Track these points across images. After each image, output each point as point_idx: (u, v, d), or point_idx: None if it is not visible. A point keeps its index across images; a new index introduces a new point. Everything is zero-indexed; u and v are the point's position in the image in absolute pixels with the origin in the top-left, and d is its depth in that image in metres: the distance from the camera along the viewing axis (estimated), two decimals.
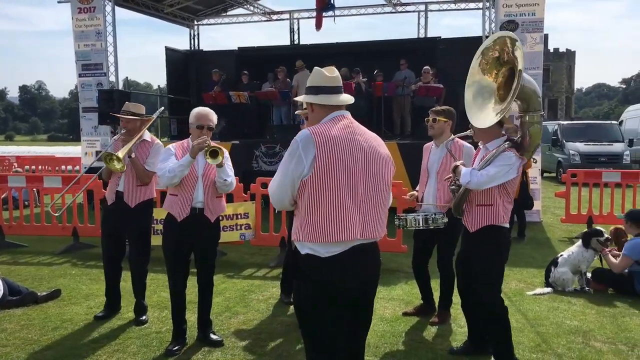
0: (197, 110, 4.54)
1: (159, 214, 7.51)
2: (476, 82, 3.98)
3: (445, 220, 4.61)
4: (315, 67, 2.95)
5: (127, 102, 5.40)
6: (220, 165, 4.38)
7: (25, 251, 8.17)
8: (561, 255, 6.24)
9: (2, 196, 9.37)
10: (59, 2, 13.47)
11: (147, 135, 5.26)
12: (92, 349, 4.51)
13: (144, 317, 5.18)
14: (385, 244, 7.04)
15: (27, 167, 17.01)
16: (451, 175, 4.13)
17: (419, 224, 4.63)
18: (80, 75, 12.91)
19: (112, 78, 12.94)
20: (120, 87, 13.53)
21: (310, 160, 2.63)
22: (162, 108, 5.44)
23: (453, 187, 4.11)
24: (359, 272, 2.74)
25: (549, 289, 6.04)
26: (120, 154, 4.87)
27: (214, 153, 4.30)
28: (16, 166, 16.29)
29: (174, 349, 4.44)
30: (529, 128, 3.87)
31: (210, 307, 4.73)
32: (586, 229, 6.42)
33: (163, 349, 4.48)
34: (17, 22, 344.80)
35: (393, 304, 5.60)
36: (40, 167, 17.40)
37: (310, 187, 2.64)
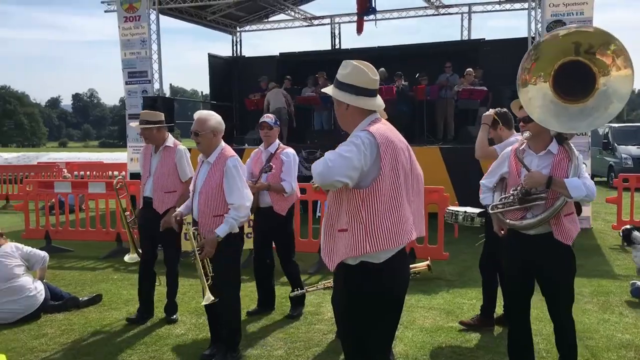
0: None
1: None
2: (541, 102, 3.39)
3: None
4: (357, 63, 2.75)
5: (142, 111, 5.44)
6: None
7: (71, 256, 8.34)
8: None
9: (49, 202, 9.64)
10: (105, 11, 13.86)
11: (170, 141, 5.27)
12: (128, 354, 4.55)
13: (174, 317, 5.35)
14: (426, 251, 6.89)
15: (75, 172, 17.46)
16: (525, 186, 3.49)
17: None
18: (126, 83, 13.18)
19: (157, 85, 13.18)
20: (167, 94, 13.73)
21: (370, 161, 2.60)
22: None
23: (537, 198, 3.48)
24: (405, 271, 2.85)
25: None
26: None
27: None
28: (65, 172, 16.73)
29: (210, 353, 4.42)
30: None
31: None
32: None
33: (199, 356, 4.46)
34: (70, 32, 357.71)
35: (433, 313, 5.43)
36: (88, 172, 17.86)
37: (379, 193, 2.62)
